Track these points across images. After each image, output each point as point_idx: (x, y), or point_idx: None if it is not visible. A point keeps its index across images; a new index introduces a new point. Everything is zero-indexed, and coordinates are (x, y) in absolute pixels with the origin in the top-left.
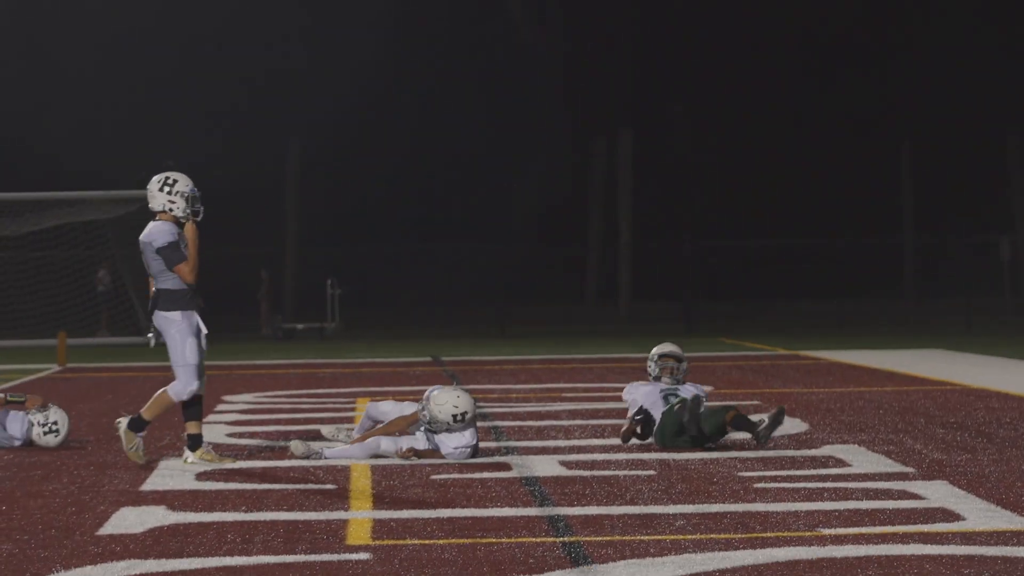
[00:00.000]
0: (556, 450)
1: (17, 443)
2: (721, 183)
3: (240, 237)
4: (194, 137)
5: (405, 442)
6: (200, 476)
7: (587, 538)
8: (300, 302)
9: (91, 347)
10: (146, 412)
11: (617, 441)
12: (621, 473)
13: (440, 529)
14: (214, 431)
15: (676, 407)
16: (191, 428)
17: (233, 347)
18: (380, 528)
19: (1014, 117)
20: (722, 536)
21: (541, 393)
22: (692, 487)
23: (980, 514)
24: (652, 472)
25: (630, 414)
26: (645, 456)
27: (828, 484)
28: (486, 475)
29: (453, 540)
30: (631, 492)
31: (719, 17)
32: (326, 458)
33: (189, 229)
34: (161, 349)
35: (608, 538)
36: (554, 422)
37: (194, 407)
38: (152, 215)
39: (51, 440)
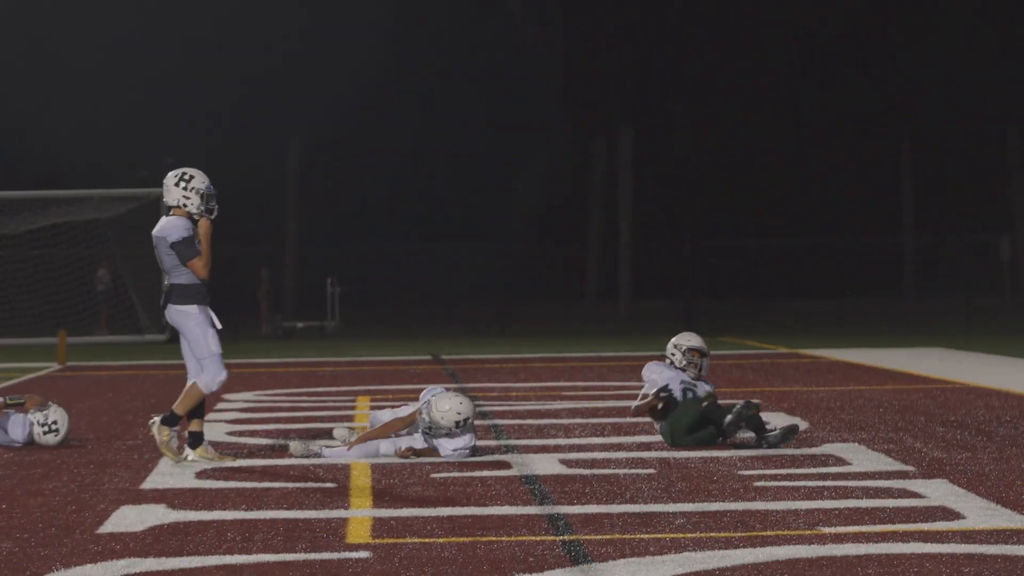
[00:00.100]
0: (556, 448)
1: (18, 445)
2: (721, 182)
3: (240, 236)
4: (194, 136)
5: (403, 442)
6: (200, 474)
7: (587, 536)
8: (300, 301)
9: (91, 346)
10: (178, 407)
11: (617, 439)
12: (621, 471)
13: (440, 527)
14: (214, 429)
15: (705, 403)
16: (193, 426)
17: (233, 346)
18: (380, 526)
19: (1014, 115)
20: (722, 534)
21: (541, 391)
22: (692, 485)
23: (980, 512)
24: (652, 470)
25: (648, 391)
26: (645, 455)
27: (828, 483)
28: (486, 473)
29: (453, 539)
30: (631, 490)
31: (719, 17)
32: (325, 458)
33: (203, 225)
34: (162, 348)
35: (608, 536)
36: (554, 420)
37: (198, 405)
38: (166, 210)
39: (51, 439)
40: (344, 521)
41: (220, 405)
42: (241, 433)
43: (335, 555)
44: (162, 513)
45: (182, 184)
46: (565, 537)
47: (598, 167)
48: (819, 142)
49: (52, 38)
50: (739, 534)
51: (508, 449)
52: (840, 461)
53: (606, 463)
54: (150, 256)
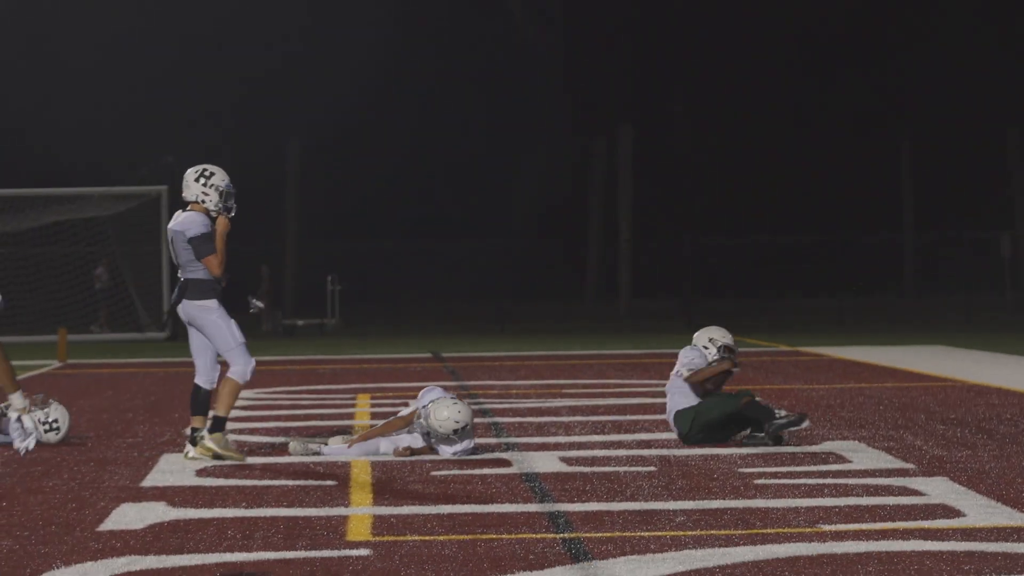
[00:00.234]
0: (556, 446)
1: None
2: (721, 181)
3: (240, 235)
4: (195, 135)
5: (402, 441)
6: (200, 472)
7: (587, 534)
8: (300, 299)
9: (91, 343)
10: (220, 408)
11: (618, 437)
12: (621, 469)
13: (440, 525)
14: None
15: (745, 400)
16: (196, 422)
17: None
18: (380, 524)
19: (1014, 114)
20: (722, 532)
21: (541, 389)
22: (692, 483)
23: (980, 510)
24: (652, 468)
25: (701, 363)
26: (645, 452)
27: (828, 480)
28: (486, 471)
29: (453, 536)
30: (631, 488)
31: (719, 16)
32: (325, 456)
33: (222, 223)
34: (162, 346)
35: (608, 534)
36: (554, 418)
37: (201, 402)
38: (183, 205)
39: (52, 437)
40: (344, 519)
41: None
42: (241, 431)
43: (335, 553)
44: (162, 511)
45: (202, 180)
46: (565, 535)
47: (598, 166)
48: (819, 141)
49: (53, 38)
50: (739, 532)
51: (508, 447)
52: (840, 459)
53: (606, 461)
54: (150, 254)
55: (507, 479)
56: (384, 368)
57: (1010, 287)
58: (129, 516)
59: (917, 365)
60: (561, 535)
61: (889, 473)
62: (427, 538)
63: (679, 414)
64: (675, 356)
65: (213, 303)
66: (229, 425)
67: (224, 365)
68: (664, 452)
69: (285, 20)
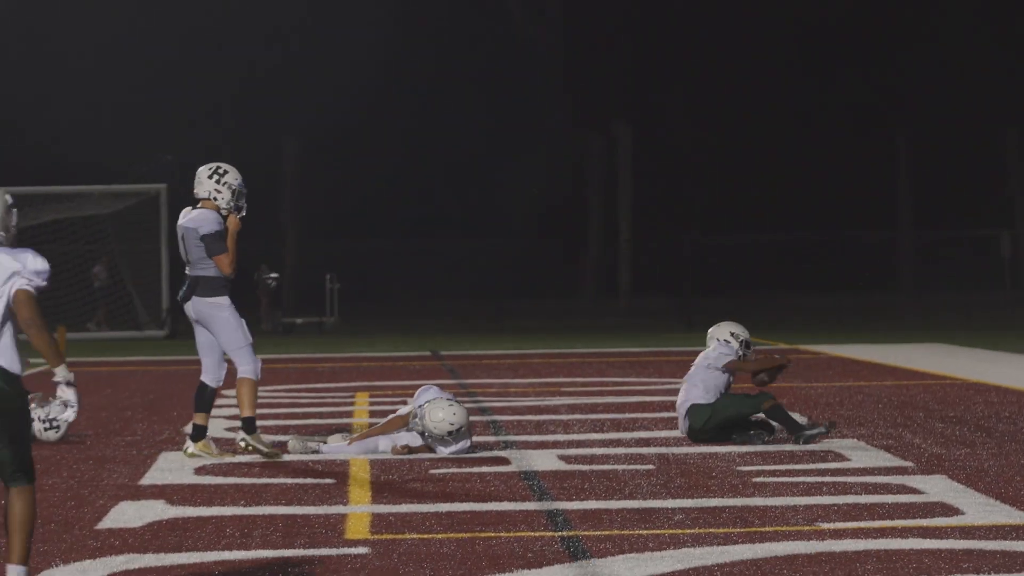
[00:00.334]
0: (555, 444)
1: None
2: (720, 179)
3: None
4: (192, 133)
5: (400, 439)
6: (199, 470)
7: (586, 532)
8: (299, 297)
9: (90, 342)
10: (246, 410)
11: (616, 435)
12: (620, 467)
13: (439, 523)
14: (213, 425)
15: (768, 403)
16: (198, 419)
17: None
18: (379, 522)
19: (1013, 113)
20: (721, 530)
21: (540, 387)
22: (691, 481)
23: (979, 508)
24: (651, 466)
25: (733, 356)
26: (644, 451)
27: (827, 478)
28: (485, 469)
29: (452, 534)
30: (630, 486)
31: (717, 15)
32: (324, 454)
33: (232, 222)
34: (161, 344)
35: (607, 532)
36: (553, 417)
37: (206, 399)
38: (193, 202)
39: (51, 435)
40: (343, 517)
41: (219, 401)
42: (239, 429)
43: (334, 551)
44: (161, 509)
45: (215, 177)
46: (564, 533)
47: (597, 165)
48: (818, 139)
49: (52, 37)
50: (738, 530)
51: (507, 445)
52: (839, 457)
53: (605, 459)
54: (149, 252)
55: (506, 477)
56: (383, 366)
57: (1009, 286)
58: (128, 514)
59: (916, 363)
60: (560, 533)
61: (888, 471)
62: (426, 536)
63: (695, 408)
64: (674, 354)
65: (225, 300)
66: (227, 423)
67: (230, 364)
68: (663, 450)
69: (282, 19)
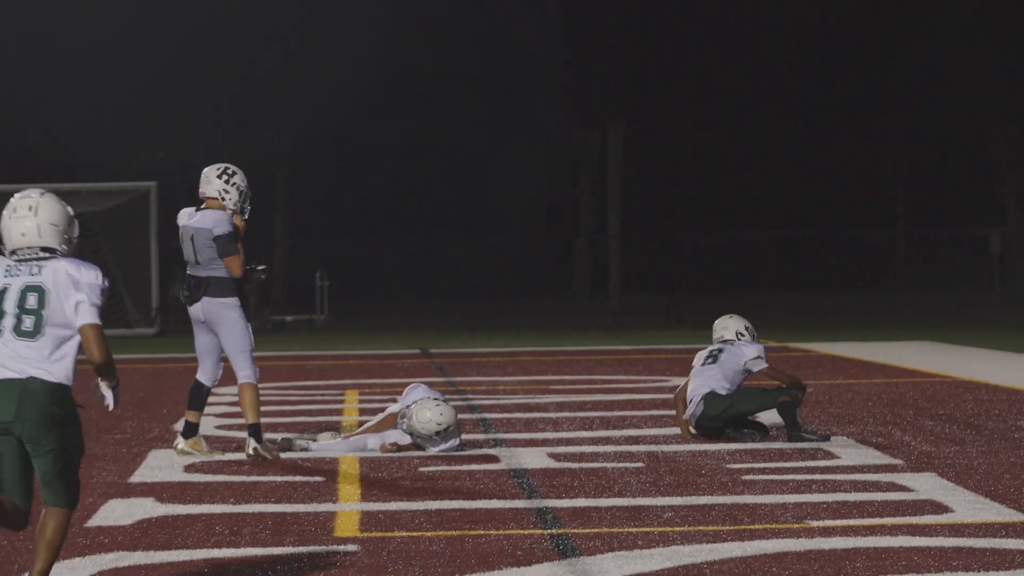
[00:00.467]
0: (544, 442)
1: None
2: (712, 177)
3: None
4: (184, 131)
5: (389, 437)
6: (188, 468)
7: (575, 530)
8: (289, 295)
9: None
10: (251, 417)
11: (605, 433)
12: (609, 465)
13: (428, 521)
14: (203, 423)
15: (782, 398)
16: (190, 416)
17: None
18: (368, 520)
19: (1006, 112)
20: (710, 528)
21: (529, 385)
22: (680, 479)
23: (969, 506)
24: (640, 464)
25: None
26: (633, 448)
27: (816, 476)
28: (474, 467)
29: (441, 532)
30: (619, 484)
31: (711, 13)
32: (312, 452)
33: (238, 223)
34: (150, 342)
35: (596, 530)
36: (542, 414)
37: (200, 398)
38: (197, 201)
39: None
40: (332, 515)
41: (209, 399)
42: (230, 427)
43: (323, 548)
44: (150, 507)
45: (224, 177)
46: (553, 531)
47: (588, 162)
48: (811, 137)
49: (48, 35)
50: (727, 528)
51: (496, 443)
52: (828, 455)
53: (594, 457)
54: (139, 250)
55: (495, 475)
56: (372, 364)
57: (999, 284)
58: (117, 512)
59: (906, 361)
60: (549, 531)
61: (877, 469)
62: (415, 534)
63: (714, 395)
64: (664, 352)
65: (236, 301)
66: (218, 420)
67: (226, 365)
68: (652, 448)
69: (276, 18)
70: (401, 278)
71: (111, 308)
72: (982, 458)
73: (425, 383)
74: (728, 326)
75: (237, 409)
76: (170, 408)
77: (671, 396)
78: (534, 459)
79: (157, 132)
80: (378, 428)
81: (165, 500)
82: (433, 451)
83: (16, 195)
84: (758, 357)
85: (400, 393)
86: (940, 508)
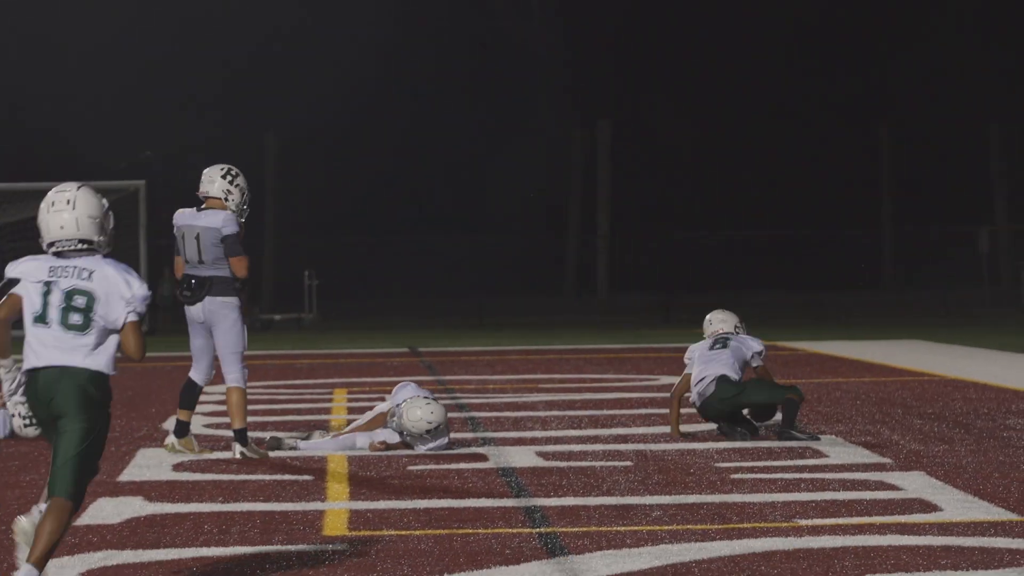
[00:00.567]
0: (533, 441)
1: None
2: (700, 176)
3: None
4: (172, 129)
5: (378, 436)
6: (177, 467)
7: (564, 529)
8: (278, 293)
9: None
10: (237, 422)
11: (594, 432)
12: (598, 464)
13: (417, 520)
14: (192, 422)
15: (789, 395)
16: (182, 415)
17: None
18: (357, 519)
19: (994, 110)
20: (699, 527)
21: (518, 384)
22: (669, 478)
23: (957, 505)
24: (629, 463)
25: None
26: (622, 447)
27: (805, 475)
28: (463, 466)
29: (430, 531)
30: (608, 483)
31: (702, 14)
32: (300, 451)
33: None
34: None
35: (585, 529)
36: (531, 413)
37: (193, 397)
38: (197, 201)
39: (31, 432)
40: (321, 513)
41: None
42: (219, 426)
43: (312, 547)
44: (139, 505)
45: (229, 177)
46: (542, 529)
47: (576, 161)
48: (799, 137)
49: (34, 30)
50: (716, 526)
51: (485, 442)
52: (817, 453)
53: (583, 455)
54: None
55: (483, 474)
56: (361, 363)
57: (987, 282)
58: (106, 511)
59: (894, 360)
60: (537, 530)
61: (866, 468)
62: (403, 533)
63: (726, 379)
64: (652, 351)
65: (236, 301)
66: (207, 419)
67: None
68: (641, 447)
69: (267, 17)
70: (390, 277)
71: None
72: (971, 457)
73: (414, 382)
74: (726, 319)
75: (225, 408)
76: (159, 407)
77: (660, 395)
78: (523, 458)
79: (147, 130)
80: (367, 427)
81: (154, 499)
82: (422, 449)
83: (53, 189)
84: (761, 352)
85: (389, 392)
86: (929, 507)
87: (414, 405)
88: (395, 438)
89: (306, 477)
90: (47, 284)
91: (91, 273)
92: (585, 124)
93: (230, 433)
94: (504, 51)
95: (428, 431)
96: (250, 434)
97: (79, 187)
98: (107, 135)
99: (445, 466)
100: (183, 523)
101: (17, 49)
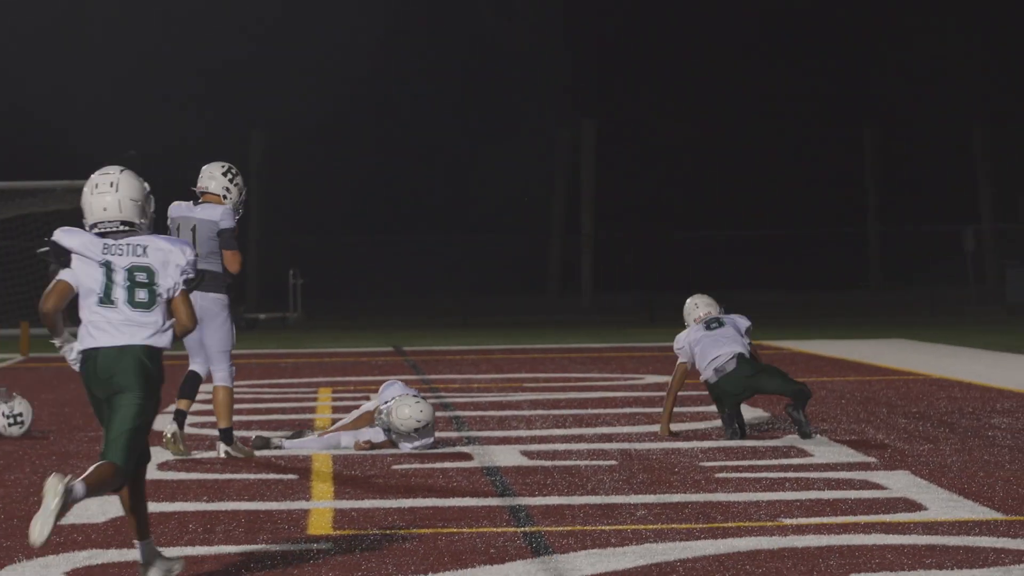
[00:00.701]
0: (517, 440)
1: None
2: (685, 175)
3: None
4: (157, 127)
5: (363, 435)
6: (161, 466)
7: (548, 528)
8: (262, 292)
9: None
10: (223, 422)
11: (579, 431)
12: (582, 463)
13: (401, 519)
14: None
15: (799, 387)
16: (181, 404)
17: None
18: (341, 518)
19: (979, 108)
20: (683, 526)
21: (502, 383)
22: (653, 477)
23: (942, 504)
24: (613, 462)
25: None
26: (606, 446)
27: (790, 474)
28: (447, 465)
29: (414, 530)
30: (592, 482)
31: (687, 12)
32: (285, 450)
33: None
34: None
35: (569, 528)
36: (515, 412)
37: (194, 387)
38: (192, 196)
39: (15, 431)
40: (306, 512)
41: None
42: (203, 424)
43: (297, 546)
44: None
45: (229, 175)
46: (526, 529)
47: (561, 160)
48: (784, 136)
49: (17, 28)
50: (701, 525)
51: (469, 441)
52: (802, 452)
53: (567, 455)
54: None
55: (468, 473)
56: (346, 362)
57: (973, 281)
58: (91, 510)
59: (879, 359)
60: (522, 529)
61: (851, 467)
62: (388, 532)
63: (743, 358)
64: (636, 350)
65: (226, 298)
66: (190, 417)
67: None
68: (625, 446)
69: (254, 12)
70: (375, 276)
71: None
72: (955, 456)
73: (400, 380)
74: (711, 303)
75: (210, 407)
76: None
77: (644, 394)
78: (507, 457)
79: (132, 128)
80: (353, 426)
81: None
82: (408, 448)
83: (96, 172)
84: (750, 327)
85: (374, 391)
86: (914, 506)
87: (403, 403)
88: (380, 437)
89: (291, 476)
90: (106, 264)
91: (145, 248)
92: (569, 124)
93: (215, 432)
94: (489, 49)
95: (417, 429)
96: (235, 433)
97: (122, 170)
98: (91, 133)
99: (430, 465)
100: (168, 522)
101: None
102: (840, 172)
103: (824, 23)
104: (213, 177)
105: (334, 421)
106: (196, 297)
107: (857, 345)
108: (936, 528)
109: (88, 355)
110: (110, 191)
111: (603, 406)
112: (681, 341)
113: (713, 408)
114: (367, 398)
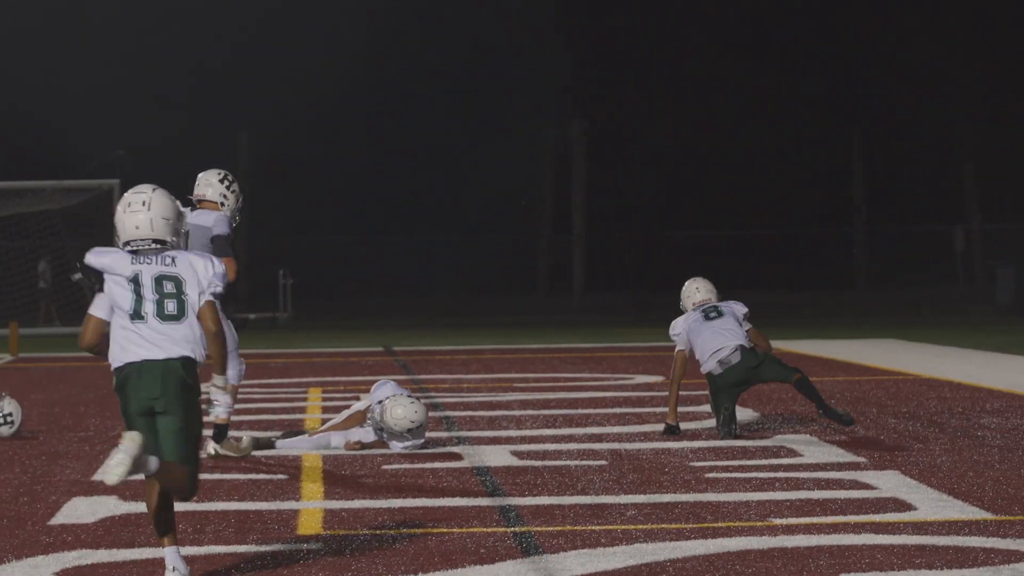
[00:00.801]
0: (507, 440)
1: None
2: (674, 176)
3: None
4: (145, 127)
5: (353, 435)
6: None
7: (538, 528)
8: (252, 292)
9: (43, 337)
10: (218, 418)
11: (569, 431)
12: (572, 463)
13: (391, 519)
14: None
15: (798, 378)
16: None
17: None
18: (331, 518)
19: (968, 110)
20: (673, 526)
21: (492, 383)
22: (643, 477)
23: (932, 504)
24: (603, 462)
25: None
26: (596, 446)
27: (780, 474)
28: (437, 465)
29: (404, 530)
30: (582, 482)
31: (677, 13)
32: (276, 449)
33: None
34: None
35: (559, 528)
36: (505, 412)
37: None
38: (192, 203)
39: (4, 431)
40: (295, 512)
41: None
42: (209, 438)
43: (286, 546)
44: (113, 505)
45: (226, 183)
46: (516, 529)
47: (551, 160)
48: (772, 136)
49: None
50: (690, 525)
51: (459, 441)
52: (792, 452)
53: (557, 455)
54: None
55: (458, 473)
56: (336, 362)
57: (962, 280)
58: (80, 510)
59: (869, 359)
60: (512, 529)
61: (840, 467)
62: (378, 532)
63: (746, 350)
64: (626, 350)
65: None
66: None
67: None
68: (615, 446)
69: (241, 13)
70: (364, 276)
71: (75, 306)
72: (945, 456)
73: (392, 380)
74: (712, 289)
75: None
76: None
77: (634, 394)
78: (497, 457)
79: (119, 129)
80: (343, 426)
81: (128, 498)
82: (398, 448)
83: (130, 191)
84: (747, 312)
85: (364, 391)
86: (903, 506)
87: (397, 403)
88: (371, 437)
89: (280, 476)
90: (134, 278)
91: (174, 259)
92: (560, 123)
93: (204, 432)
94: (480, 49)
95: (409, 430)
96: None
97: (154, 189)
98: (78, 134)
99: (420, 465)
100: None
101: None
102: (830, 173)
103: (815, 26)
104: (210, 184)
105: (324, 421)
106: None
107: (847, 345)
108: (926, 528)
109: (123, 370)
110: (142, 210)
111: (593, 406)
112: (679, 327)
113: (705, 408)
114: (357, 398)
